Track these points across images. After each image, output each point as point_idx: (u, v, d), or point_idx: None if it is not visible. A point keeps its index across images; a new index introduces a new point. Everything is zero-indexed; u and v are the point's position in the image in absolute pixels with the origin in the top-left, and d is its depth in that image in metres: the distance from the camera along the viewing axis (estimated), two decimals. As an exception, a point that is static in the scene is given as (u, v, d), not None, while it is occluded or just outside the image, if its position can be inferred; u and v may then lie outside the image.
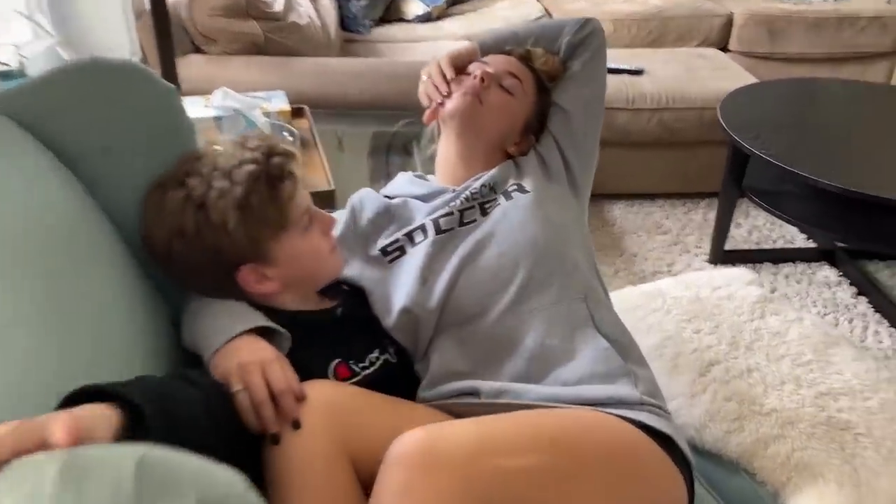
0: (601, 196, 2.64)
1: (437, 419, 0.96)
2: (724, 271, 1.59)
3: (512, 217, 1.09)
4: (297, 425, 0.82)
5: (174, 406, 0.71)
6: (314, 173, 1.58)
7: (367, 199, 1.19)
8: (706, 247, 2.40)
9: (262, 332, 0.91)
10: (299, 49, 2.02)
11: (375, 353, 1.05)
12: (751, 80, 2.55)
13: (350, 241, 1.14)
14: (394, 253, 1.11)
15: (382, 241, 1.12)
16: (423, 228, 1.10)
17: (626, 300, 1.49)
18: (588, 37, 1.23)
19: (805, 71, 3.13)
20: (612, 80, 2.56)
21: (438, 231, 1.09)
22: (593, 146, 1.25)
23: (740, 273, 1.56)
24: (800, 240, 2.49)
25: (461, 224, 1.10)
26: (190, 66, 1.97)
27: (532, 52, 1.23)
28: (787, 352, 1.34)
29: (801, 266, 2.35)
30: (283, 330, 0.91)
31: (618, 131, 2.49)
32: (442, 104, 1.15)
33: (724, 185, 2.23)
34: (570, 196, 1.19)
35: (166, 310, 0.99)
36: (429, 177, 1.27)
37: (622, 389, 0.99)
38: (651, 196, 2.67)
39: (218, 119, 1.60)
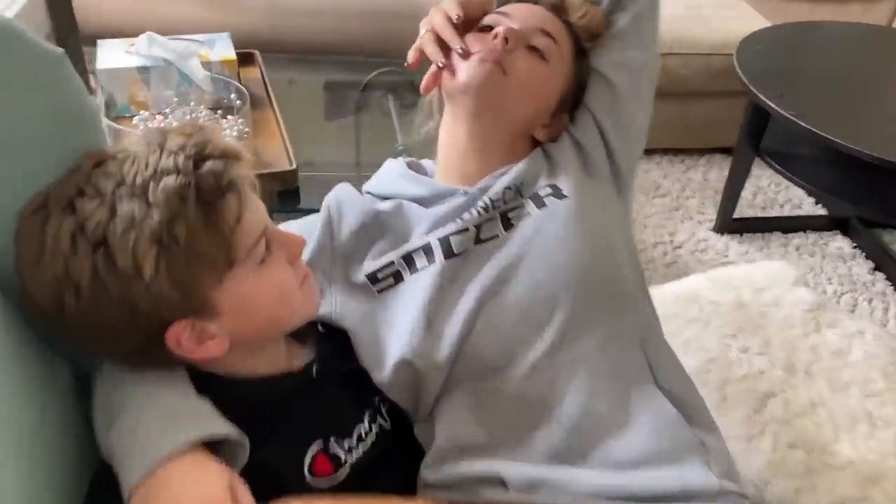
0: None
1: None
2: (764, 267, 1.35)
3: (547, 234, 0.80)
4: None
5: None
6: (269, 143, 1.25)
7: (346, 203, 0.87)
8: (709, 212, 2.17)
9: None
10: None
11: (365, 422, 0.78)
12: (762, 22, 2.26)
13: (325, 263, 0.85)
14: (386, 280, 0.82)
15: (371, 264, 0.83)
16: (426, 249, 0.81)
17: (656, 305, 1.24)
18: None
19: (805, 11, 2.86)
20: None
21: (448, 254, 0.80)
22: (643, 126, 0.96)
23: (782, 270, 1.32)
24: (808, 204, 2.27)
25: (478, 241, 0.81)
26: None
27: (567, 1, 0.92)
28: (852, 378, 1.12)
29: (812, 236, 2.14)
30: (237, 435, 0.62)
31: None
32: (449, 69, 0.84)
33: (739, 146, 1.97)
34: (614, 194, 0.91)
35: (72, 401, 0.68)
36: (425, 163, 0.97)
37: (695, 474, 0.74)
38: (647, 152, 2.40)
39: (144, 70, 1.25)
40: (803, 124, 1.68)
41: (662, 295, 1.26)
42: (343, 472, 0.73)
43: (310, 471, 0.71)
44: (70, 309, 0.60)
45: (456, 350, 0.77)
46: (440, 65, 0.83)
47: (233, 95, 1.22)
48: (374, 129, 1.50)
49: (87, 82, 1.15)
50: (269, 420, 0.70)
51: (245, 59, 1.44)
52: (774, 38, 2.09)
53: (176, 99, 1.21)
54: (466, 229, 0.81)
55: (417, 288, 0.79)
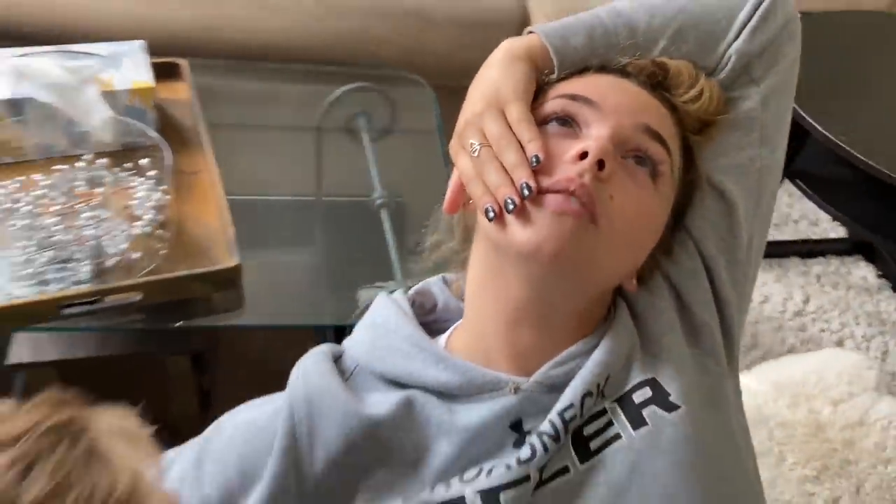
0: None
1: None
2: (835, 361, 1.08)
3: (651, 477, 0.50)
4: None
5: None
6: (199, 214, 0.90)
7: (320, 404, 0.54)
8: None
9: None
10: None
11: None
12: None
13: None
14: None
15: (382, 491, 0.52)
16: None
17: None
18: (779, 36, 0.61)
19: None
20: None
21: None
22: (758, 261, 0.65)
23: (858, 368, 1.06)
24: (825, 219, 2.02)
25: (541, 484, 0.50)
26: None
27: (671, 71, 0.59)
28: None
29: (833, 262, 1.90)
30: None
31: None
32: (512, 211, 0.50)
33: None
34: (726, 376, 0.61)
35: None
36: (435, 287, 0.65)
37: None
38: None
39: (15, 105, 0.87)
40: (851, 149, 1.42)
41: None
42: None
43: None
44: None
45: None
46: (492, 213, 0.50)
47: (146, 143, 0.86)
48: (341, 168, 1.15)
49: None
50: None
51: (165, 73, 1.06)
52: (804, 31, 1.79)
53: (61, 150, 0.85)
54: (527, 478, 0.50)
55: None
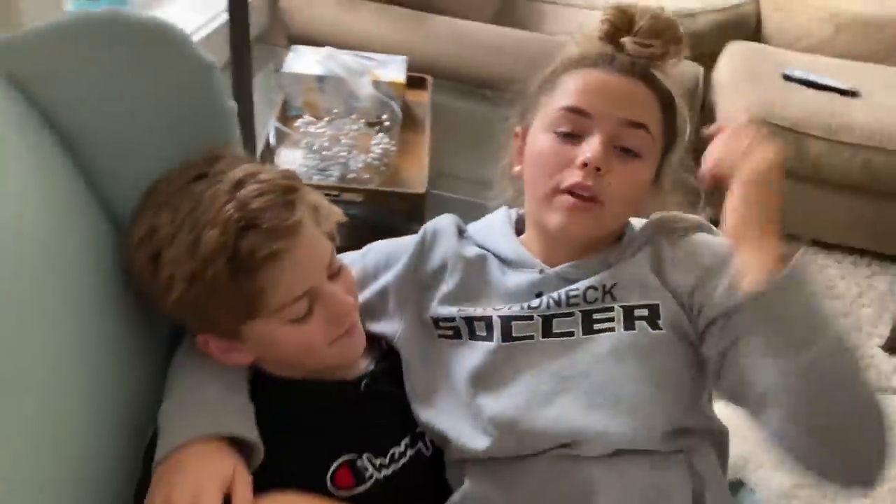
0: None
1: None
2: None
3: (624, 368, 0.75)
4: None
5: None
6: (411, 166, 1.32)
7: (443, 235, 0.88)
8: (884, 328, 1.93)
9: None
10: (443, 3, 1.74)
11: (403, 445, 0.80)
12: None
13: (406, 287, 0.87)
14: (446, 331, 0.82)
15: (436, 308, 0.84)
16: (488, 324, 0.80)
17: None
18: None
19: None
20: (815, 98, 2.10)
21: (507, 337, 0.79)
22: None
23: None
24: None
25: (547, 334, 0.78)
26: (313, 7, 1.75)
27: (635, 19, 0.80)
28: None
29: None
30: (254, 440, 0.69)
31: (807, 163, 2.03)
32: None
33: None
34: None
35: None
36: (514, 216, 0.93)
37: None
38: (829, 246, 2.20)
39: (320, 80, 1.38)
40: None
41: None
42: (364, 487, 0.76)
43: (332, 480, 0.75)
44: (137, 290, 0.72)
45: (493, 429, 0.76)
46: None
47: (384, 116, 1.31)
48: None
49: (248, 87, 1.28)
50: (306, 424, 0.76)
51: (416, 83, 1.53)
52: None
53: (336, 111, 1.32)
54: (531, 318, 0.79)
55: (471, 357, 0.79)
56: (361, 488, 0.76)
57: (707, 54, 2.35)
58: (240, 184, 0.70)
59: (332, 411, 0.78)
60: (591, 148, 0.75)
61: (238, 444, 0.69)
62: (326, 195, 1.05)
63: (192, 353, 0.76)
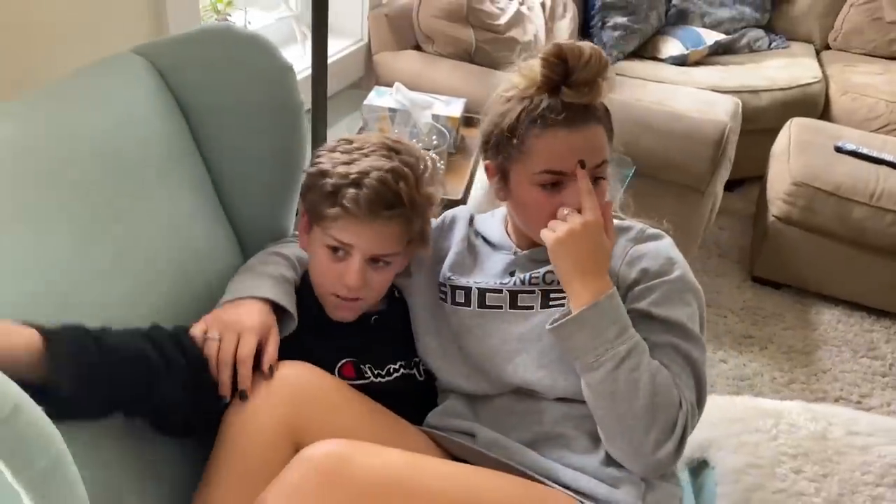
0: (815, 295, 2.29)
1: (420, 446, 0.93)
2: (892, 422, 1.29)
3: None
4: (243, 396, 0.85)
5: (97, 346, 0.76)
6: (455, 181, 1.59)
7: (458, 220, 1.12)
8: (923, 390, 1.97)
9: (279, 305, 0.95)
10: (509, 64, 2.04)
11: (398, 365, 1.04)
12: None
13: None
14: (442, 294, 1.06)
15: (442, 274, 1.06)
16: (467, 293, 1.02)
17: (729, 409, 1.29)
18: None
19: None
20: (861, 167, 2.21)
21: (481, 304, 1.01)
22: None
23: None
24: None
25: (512, 308, 0.99)
26: (399, 60, 2.09)
27: (569, 63, 0.90)
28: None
29: None
30: (292, 312, 0.94)
31: (852, 227, 2.13)
32: None
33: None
34: None
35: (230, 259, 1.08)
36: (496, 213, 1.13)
37: (623, 495, 0.87)
38: (874, 311, 2.25)
39: (392, 111, 1.69)
40: None
41: (748, 403, 1.30)
42: (362, 382, 0.99)
43: (339, 371, 0.99)
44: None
45: (469, 374, 1.00)
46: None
47: (434, 137, 1.59)
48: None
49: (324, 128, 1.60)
50: (325, 327, 1.01)
51: (473, 122, 1.81)
52: None
53: (396, 134, 1.62)
54: (500, 291, 1.00)
55: (456, 318, 1.02)
56: (360, 382, 1.00)
57: (769, 129, 2.53)
58: (386, 143, 0.97)
59: (345, 327, 1.02)
60: (572, 195, 0.91)
61: (279, 314, 0.94)
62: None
63: (260, 258, 1.03)
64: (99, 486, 0.74)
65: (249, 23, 1.68)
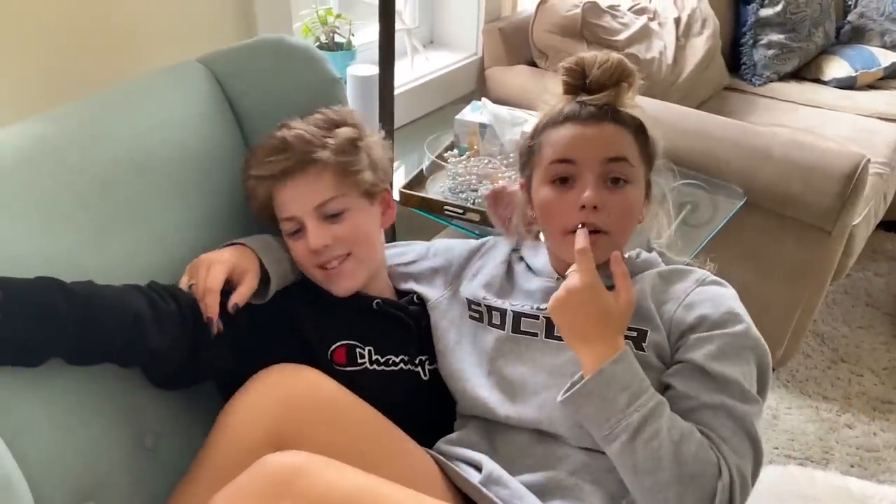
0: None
1: (422, 470, 0.90)
2: None
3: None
4: (210, 324, 0.88)
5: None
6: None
7: (498, 245, 1.11)
8: None
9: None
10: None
11: (400, 358, 1.01)
12: None
13: (456, 272, 1.10)
14: (474, 313, 1.03)
15: (475, 292, 1.04)
16: (503, 314, 0.99)
17: (804, 484, 1.11)
18: None
19: None
20: None
21: (516, 329, 0.97)
22: None
23: None
24: None
25: (549, 335, 0.95)
26: (509, 74, 2.05)
27: (585, 70, 0.93)
28: None
29: None
30: (271, 280, 0.97)
31: None
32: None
33: None
34: None
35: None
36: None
37: None
38: None
39: (482, 126, 1.66)
40: None
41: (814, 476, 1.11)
42: (353, 368, 0.97)
43: (331, 355, 0.97)
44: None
45: (493, 386, 0.96)
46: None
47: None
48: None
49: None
50: (322, 308, 1.00)
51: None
52: None
53: (476, 149, 1.59)
54: (537, 317, 0.95)
55: (487, 340, 0.98)
56: (351, 368, 0.97)
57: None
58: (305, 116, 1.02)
59: (342, 307, 1.01)
60: (586, 194, 0.88)
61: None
62: (452, 212, 1.32)
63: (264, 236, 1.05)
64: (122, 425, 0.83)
65: (353, 35, 1.72)
